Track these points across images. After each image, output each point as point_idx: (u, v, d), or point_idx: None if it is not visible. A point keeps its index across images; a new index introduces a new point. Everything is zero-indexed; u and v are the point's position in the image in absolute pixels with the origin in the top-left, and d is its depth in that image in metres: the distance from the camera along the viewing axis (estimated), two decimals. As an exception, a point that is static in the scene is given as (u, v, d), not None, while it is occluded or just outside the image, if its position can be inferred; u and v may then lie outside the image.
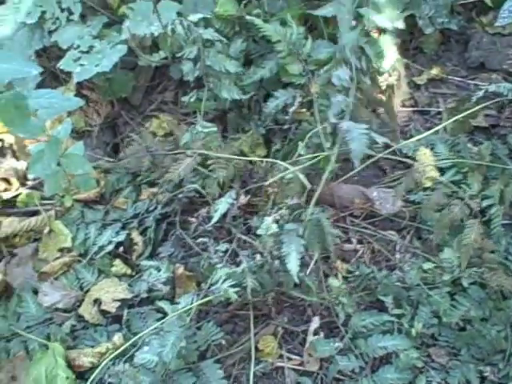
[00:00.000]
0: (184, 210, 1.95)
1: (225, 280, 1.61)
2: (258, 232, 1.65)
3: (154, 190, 1.98)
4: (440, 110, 2.29)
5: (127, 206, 1.98)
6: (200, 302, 1.60)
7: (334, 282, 1.79)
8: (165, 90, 2.30)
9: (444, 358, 1.75)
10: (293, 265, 1.61)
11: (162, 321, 1.59)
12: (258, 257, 1.67)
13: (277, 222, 1.67)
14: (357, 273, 1.85)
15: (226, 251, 1.74)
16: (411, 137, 2.19)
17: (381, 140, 1.78)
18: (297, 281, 1.61)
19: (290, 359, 1.77)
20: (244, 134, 2.07)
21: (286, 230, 1.67)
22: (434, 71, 2.36)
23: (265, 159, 1.92)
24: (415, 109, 2.30)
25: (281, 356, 1.77)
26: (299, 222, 1.70)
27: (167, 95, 2.28)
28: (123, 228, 1.93)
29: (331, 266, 1.88)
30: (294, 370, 1.75)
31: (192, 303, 1.61)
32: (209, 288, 1.63)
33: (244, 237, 1.82)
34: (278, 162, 1.81)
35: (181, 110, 2.24)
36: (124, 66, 2.19)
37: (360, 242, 1.98)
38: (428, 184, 2.01)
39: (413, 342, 1.74)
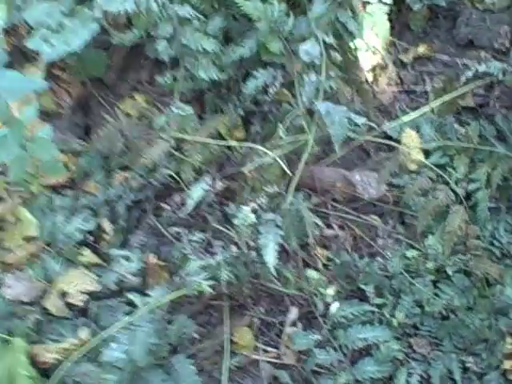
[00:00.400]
0: (157, 196, 1.86)
1: (199, 273, 1.54)
2: (235, 222, 1.58)
3: (127, 174, 1.89)
4: (426, 89, 2.21)
5: (98, 191, 1.89)
6: (172, 296, 1.53)
7: (313, 274, 1.71)
8: (140, 69, 2.19)
9: (426, 349, 1.70)
10: (270, 257, 1.55)
11: (132, 315, 1.52)
12: (234, 248, 1.60)
13: (255, 211, 1.60)
14: (337, 261, 1.79)
15: (200, 241, 1.66)
16: (396, 117, 2.12)
17: (360, 121, 1.70)
18: (274, 274, 1.54)
19: (266, 352, 1.70)
20: (222, 116, 1.98)
21: (264, 220, 1.60)
22: (421, 49, 2.28)
23: (243, 144, 1.83)
24: (401, 88, 2.21)
25: (256, 348, 1.70)
26: (278, 211, 1.63)
27: (143, 75, 2.18)
28: (93, 215, 1.84)
29: (311, 253, 1.81)
30: (270, 363, 1.68)
31: (164, 296, 1.54)
32: (181, 280, 1.56)
33: (219, 226, 1.74)
34: (257, 146, 1.74)
35: (157, 90, 2.13)
36: (97, 45, 2.08)
37: (341, 227, 1.91)
38: (413, 167, 1.94)
39: (394, 333, 1.68)
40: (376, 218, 1.91)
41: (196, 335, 1.65)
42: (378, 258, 1.78)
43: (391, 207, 1.91)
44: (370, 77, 2.19)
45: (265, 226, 1.59)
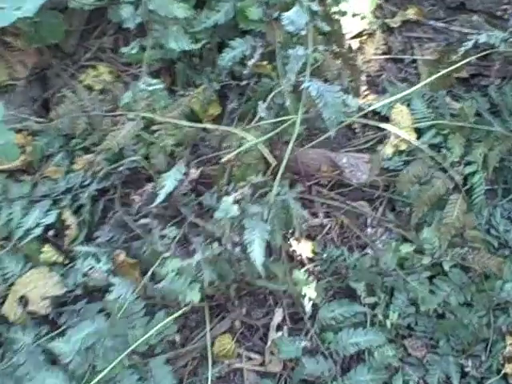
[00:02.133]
0: (125, 183, 1.67)
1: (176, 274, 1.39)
2: (216, 215, 1.40)
3: (91, 157, 1.69)
4: (415, 57, 2.04)
5: (59, 176, 1.69)
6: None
7: (299, 274, 1.56)
8: (103, 34, 1.96)
9: (421, 352, 1.58)
10: (257, 253, 1.37)
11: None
12: (216, 244, 1.43)
13: (237, 202, 1.42)
14: (324, 255, 1.63)
15: (174, 237, 1.49)
16: (384, 90, 1.95)
17: (354, 103, 1.53)
18: (263, 273, 1.37)
19: (249, 359, 1.56)
20: (195, 89, 1.78)
21: (249, 213, 1.42)
22: (410, 12, 2.09)
23: (220, 127, 1.63)
24: (388, 56, 2.03)
25: (239, 355, 1.55)
26: (263, 203, 1.46)
27: (106, 41, 1.95)
28: (54, 205, 1.64)
29: (296, 247, 1.66)
30: (254, 371, 1.54)
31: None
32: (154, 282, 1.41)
33: (197, 220, 1.56)
34: (235, 131, 1.56)
35: (122, 59, 1.91)
36: (54, 7, 1.85)
37: (327, 215, 1.75)
38: (403, 147, 1.78)
39: (387, 335, 1.55)
40: (364, 204, 1.76)
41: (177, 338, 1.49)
42: (369, 252, 1.64)
43: (381, 193, 1.76)
44: (355, 45, 2.00)
45: (250, 220, 1.42)
